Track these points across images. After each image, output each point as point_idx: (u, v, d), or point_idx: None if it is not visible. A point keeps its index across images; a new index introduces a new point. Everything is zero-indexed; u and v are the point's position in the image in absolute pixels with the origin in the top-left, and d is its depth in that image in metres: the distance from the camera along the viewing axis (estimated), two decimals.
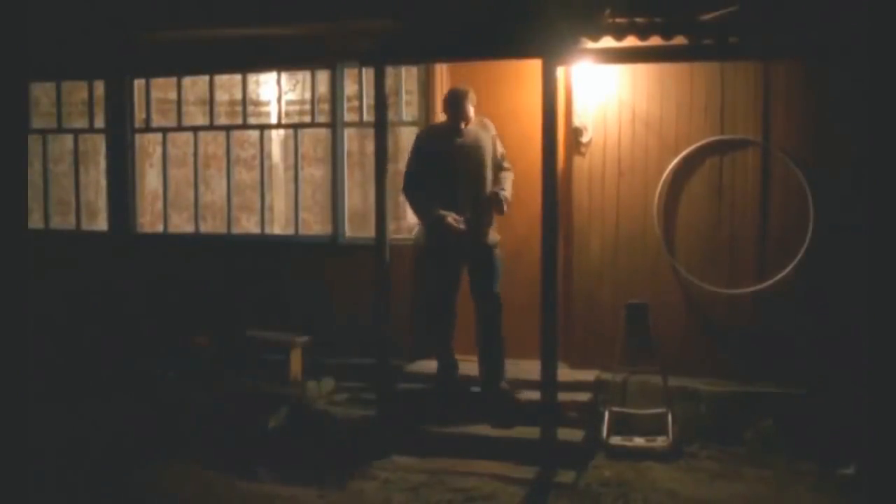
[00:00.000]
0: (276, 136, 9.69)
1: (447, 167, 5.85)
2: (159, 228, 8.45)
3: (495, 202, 5.85)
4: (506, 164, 6.07)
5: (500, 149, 6.07)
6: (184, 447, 5.96)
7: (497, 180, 5.98)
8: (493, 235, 5.98)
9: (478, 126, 6.01)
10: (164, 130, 8.20)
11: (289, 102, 8.69)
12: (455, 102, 5.90)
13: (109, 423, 6.46)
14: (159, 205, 8.56)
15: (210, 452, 5.87)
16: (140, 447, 6.00)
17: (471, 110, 5.95)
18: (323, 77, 7.55)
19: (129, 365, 7.50)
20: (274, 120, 8.78)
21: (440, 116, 6.67)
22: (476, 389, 6.02)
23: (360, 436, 6.14)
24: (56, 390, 7.01)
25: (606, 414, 5.90)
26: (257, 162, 8.34)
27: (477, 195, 5.86)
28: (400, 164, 8.65)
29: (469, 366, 6.10)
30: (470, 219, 5.82)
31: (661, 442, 5.74)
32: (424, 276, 6.32)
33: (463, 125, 5.93)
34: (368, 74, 6.82)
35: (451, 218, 5.77)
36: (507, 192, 5.92)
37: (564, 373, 5.93)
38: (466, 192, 5.84)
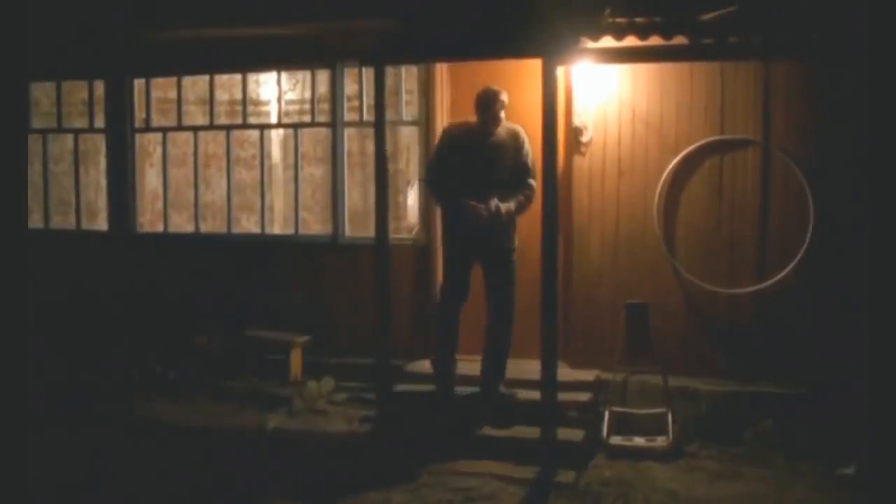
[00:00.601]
0: (276, 135, 9.68)
1: (464, 167, 5.80)
2: (159, 228, 8.45)
3: (465, 209, 5.73)
4: (530, 181, 5.87)
5: (523, 160, 5.89)
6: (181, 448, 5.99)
7: (510, 192, 5.82)
8: (512, 240, 5.90)
9: (505, 133, 5.90)
10: (164, 130, 8.20)
11: (289, 102, 8.68)
12: (485, 104, 5.84)
13: (108, 430, 6.47)
14: (159, 204, 8.56)
15: (209, 455, 5.88)
16: (138, 453, 6.01)
17: (501, 113, 5.85)
18: (323, 77, 7.55)
19: (129, 365, 7.51)
20: (274, 120, 8.77)
21: (440, 116, 6.67)
22: (475, 389, 6.01)
23: (359, 436, 6.15)
24: (54, 392, 7.01)
25: (606, 414, 5.90)
26: (257, 162, 8.33)
27: (487, 200, 5.77)
28: (400, 163, 8.66)
29: (470, 365, 6.10)
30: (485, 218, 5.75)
31: (661, 442, 5.74)
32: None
33: (492, 128, 5.85)
34: (368, 74, 6.82)
35: (474, 203, 5.72)
36: (509, 205, 5.76)
37: (564, 373, 5.93)
38: (478, 196, 5.75)
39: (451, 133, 6.06)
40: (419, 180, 6.16)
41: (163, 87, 8.54)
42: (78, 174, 8.52)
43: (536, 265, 5.55)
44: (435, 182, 6.04)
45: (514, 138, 5.92)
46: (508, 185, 5.84)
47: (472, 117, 5.95)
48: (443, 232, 6.21)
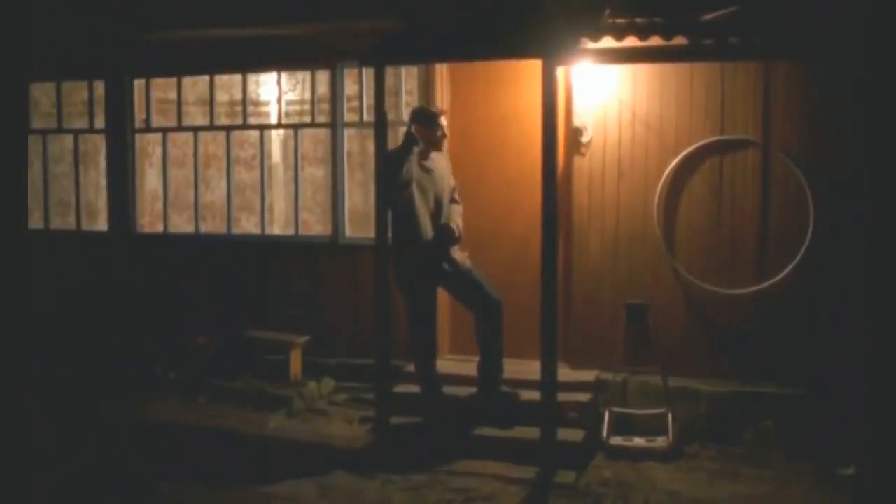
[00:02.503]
0: (276, 136, 9.68)
1: (419, 191, 5.75)
2: (159, 228, 8.45)
3: (448, 233, 5.80)
4: (457, 197, 6.04)
5: (453, 181, 6.05)
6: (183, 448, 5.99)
7: (451, 211, 5.96)
8: (462, 255, 5.89)
9: (440, 155, 5.97)
10: (164, 130, 8.20)
11: (289, 102, 8.68)
12: (431, 119, 5.84)
13: (107, 433, 6.47)
14: (159, 205, 8.56)
15: (210, 454, 5.88)
16: (137, 453, 6.02)
17: (443, 131, 5.89)
18: (323, 77, 7.54)
19: (130, 365, 7.51)
20: (274, 120, 8.77)
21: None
22: (473, 390, 6.00)
23: (358, 436, 6.15)
24: (55, 392, 7.01)
25: (606, 414, 5.90)
26: (257, 162, 8.33)
27: (438, 222, 5.84)
28: None
29: (469, 366, 6.10)
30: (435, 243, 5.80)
31: (661, 442, 5.74)
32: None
33: (435, 149, 5.88)
34: (368, 74, 6.82)
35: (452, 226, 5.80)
36: (460, 224, 5.89)
37: (564, 373, 5.93)
38: (432, 219, 5.81)
39: (402, 154, 5.77)
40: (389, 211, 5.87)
41: (163, 88, 8.54)
42: (78, 174, 8.53)
43: (536, 265, 5.55)
44: (410, 211, 5.73)
45: (445, 156, 6.01)
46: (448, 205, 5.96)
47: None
48: (405, 268, 5.87)
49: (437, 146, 5.90)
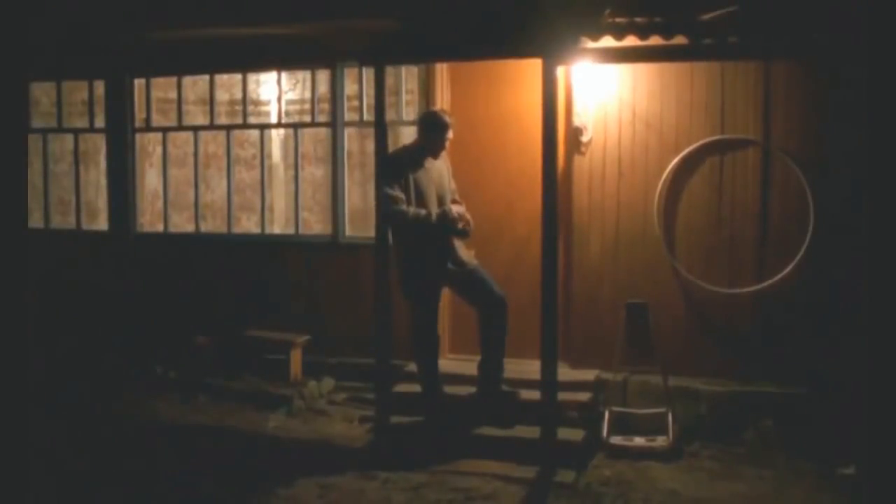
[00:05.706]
0: (277, 135, 9.69)
1: (418, 194, 5.70)
2: (159, 228, 8.45)
3: (448, 216, 5.67)
4: (458, 199, 6.00)
5: (453, 184, 6.03)
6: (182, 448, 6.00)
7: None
8: (468, 253, 5.89)
9: (440, 158, 5.96)
10: (164, 130, 8.21)
11: (289, 102, 8.69)
12: (441, 129, 5.78)
13: (107, 432, 6.48)
14: (159, 204, 8.57)
15: (210, 453, 5.88)
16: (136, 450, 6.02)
17: (447, 143, 5.86)
18: (323, 77, 7.55)
19: (130, 365, 7.51)
20: (274, 119, 8.78)
21: None
22: (474, 389, 6.00)
23: (359, 436, 6.15)
24: (54, 392, 7.01)
25: (606, 414, 5.90)
26: (257, 162, 8.34)
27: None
28: None
29: (469, 365, 6.10)
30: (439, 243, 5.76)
31: (661, 442, 5.75)
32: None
33: (438, 153, 5.85)
34: (368, 74, 6.83)
35: (451, 212, 5.71)
36: (464, 212, 5.80)
37: (564, 372, 5.93)
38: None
39: (403, 159, 5.81)
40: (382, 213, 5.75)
41: (163, 87, 8.55)
42: (78, 174, 8.53)
43: (536, 265, 5.55)
44: (401, 208, 5.59)
45: (445, 160, 5.99)
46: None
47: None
48: (408, 270, 5.81)
49: (434, 154, 5.86)
